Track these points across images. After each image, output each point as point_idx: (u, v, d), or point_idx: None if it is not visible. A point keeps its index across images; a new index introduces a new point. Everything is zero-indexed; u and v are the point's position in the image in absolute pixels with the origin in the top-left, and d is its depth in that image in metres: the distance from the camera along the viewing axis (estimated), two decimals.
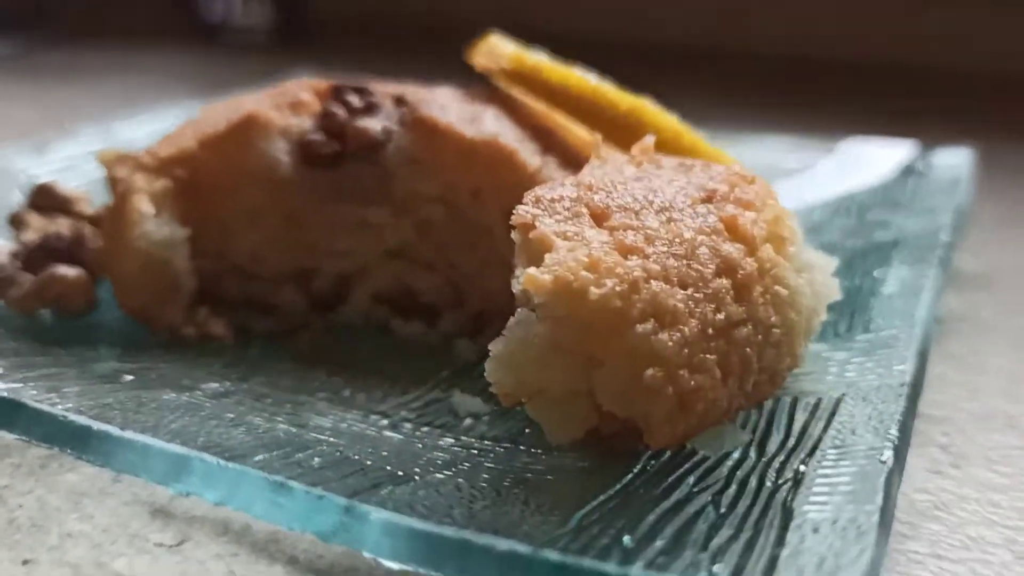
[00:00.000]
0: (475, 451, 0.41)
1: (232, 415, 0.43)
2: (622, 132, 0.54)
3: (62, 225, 0.56)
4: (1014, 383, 0.54)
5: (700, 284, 0.36)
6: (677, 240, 0.37)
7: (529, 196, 0.40)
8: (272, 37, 1.40)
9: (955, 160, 0.67)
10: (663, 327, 0.34)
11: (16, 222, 0.57)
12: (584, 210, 0.39)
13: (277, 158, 0.53)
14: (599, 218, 0.39)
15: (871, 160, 0.67)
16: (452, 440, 0.42)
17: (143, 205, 0.51)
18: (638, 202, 0.40)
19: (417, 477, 0.37)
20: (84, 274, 0.52)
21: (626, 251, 0.36)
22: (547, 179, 0.51)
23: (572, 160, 0.53)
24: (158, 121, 0.74)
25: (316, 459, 0.38)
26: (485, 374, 0.36)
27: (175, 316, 0.52)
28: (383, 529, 0.32)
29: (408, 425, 0.43)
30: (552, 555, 0.29)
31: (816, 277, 0.43)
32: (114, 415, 0.40)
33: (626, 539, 0.33)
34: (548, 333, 0.35)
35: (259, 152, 0.53)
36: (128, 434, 0.37)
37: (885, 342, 0.44)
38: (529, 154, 0.52)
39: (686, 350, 0.35)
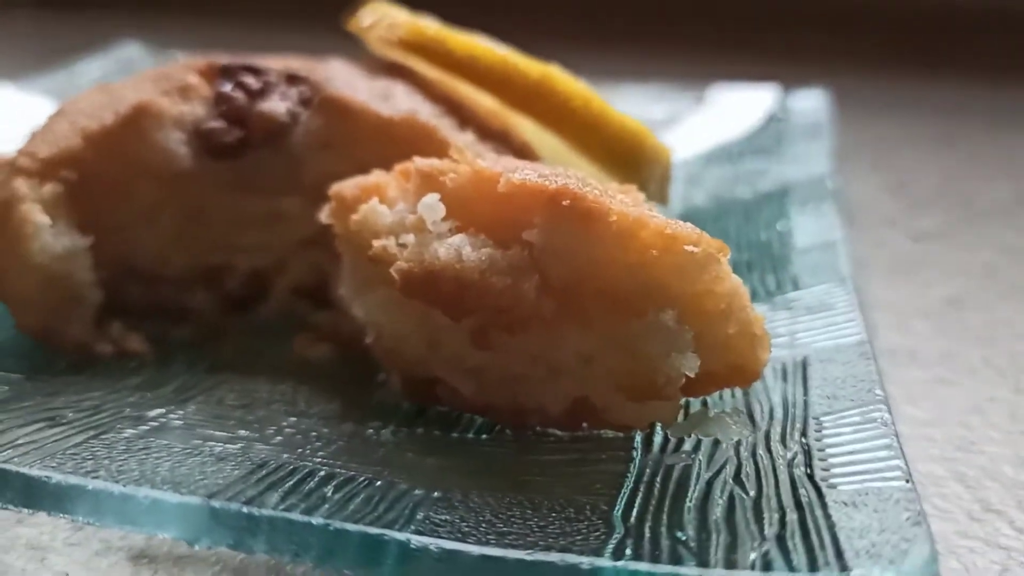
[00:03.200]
0: (469, 457, 0.40)
1: (198, 444, 0.40)
2: (533, 100, 0.53)
3: None
4: (902, 316, 0.58)
5: None
6: None
7: None
8: None
9: (813, 103, 0.70)
10: None
11: None
12: None
13: (174, 150, 0.49)
14: None
15: (737, 107, 0.69)
16: (439, 442, 0.41)
17: (37, 215, 0.46)
18: None
19: (437, 493, 0.36)
20: None
21: None
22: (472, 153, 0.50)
23: (489, 132, 0.52)
24: None
25: (328, 488, 0.36)
26: None
27: (83, 333, 0.47)
28: (442, 558, 0.31)
29: (386, 432, 0.42)
30: (638, 566, 0.29)
31: None
32: (89, 467, 0.37)
33: (681, 535, 0.33)
34: None
35: (154, 145, 0.49)
36: (130, 489, 0.34)
37: (823, 301, 0.46)
38: (448, 129, 0.50)
39: None
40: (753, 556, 0.31)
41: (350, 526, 0.32)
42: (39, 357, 0.47)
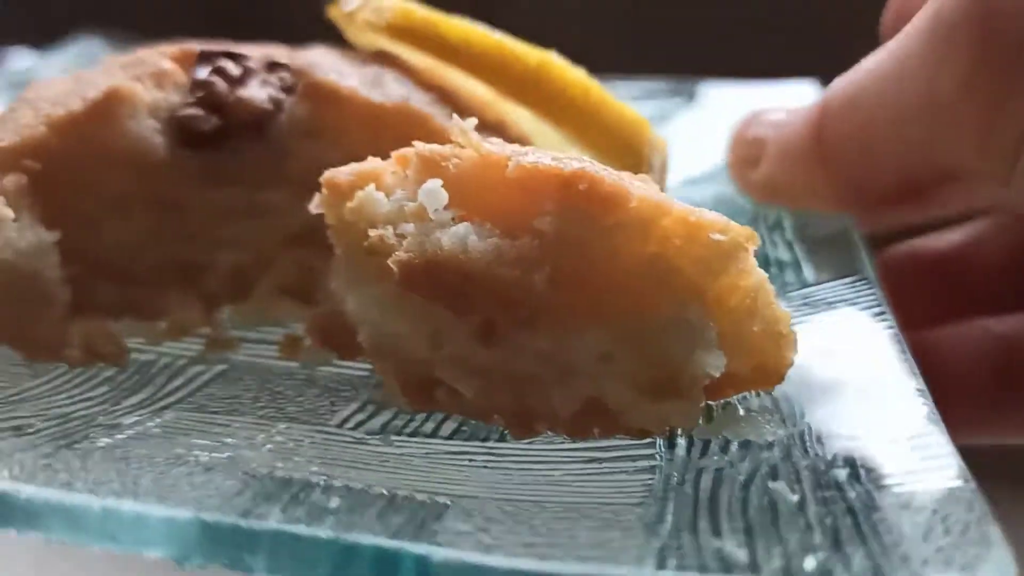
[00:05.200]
0: (480, 463, 0.37)
1: (182, 453, 0.36)
2: (530, 89, 0.50)
3: None
4: None
5: None
6: None
7: None
8: None
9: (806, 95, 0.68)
10: None
11: None
12: None
13: (147, 138, 0.46)
14: None
15: (729, 104, 0.67)
16: (446, 448, 0.38)
17: (0, 209, 0.42)
18: None
19: (449, 502, 0.33)
20: None
21: None
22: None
23: (484, 122, 0.49)
24: None
25: (335, 500, 0.33)
26: None
27: (50, 336, 0.44)
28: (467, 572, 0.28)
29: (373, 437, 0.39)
30: None
31: None
32: (64, 479, 0.33)
33: (732, 548, 0.30)
34: None
35: (126, 133, 0.45)
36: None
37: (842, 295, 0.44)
38: (442, 118, 0.47)
39: None
40: (811, 566, 0.28)
41: (363, 538, 0.29)
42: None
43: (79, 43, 0.75)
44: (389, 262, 0.37)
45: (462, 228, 0.36)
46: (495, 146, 0.39)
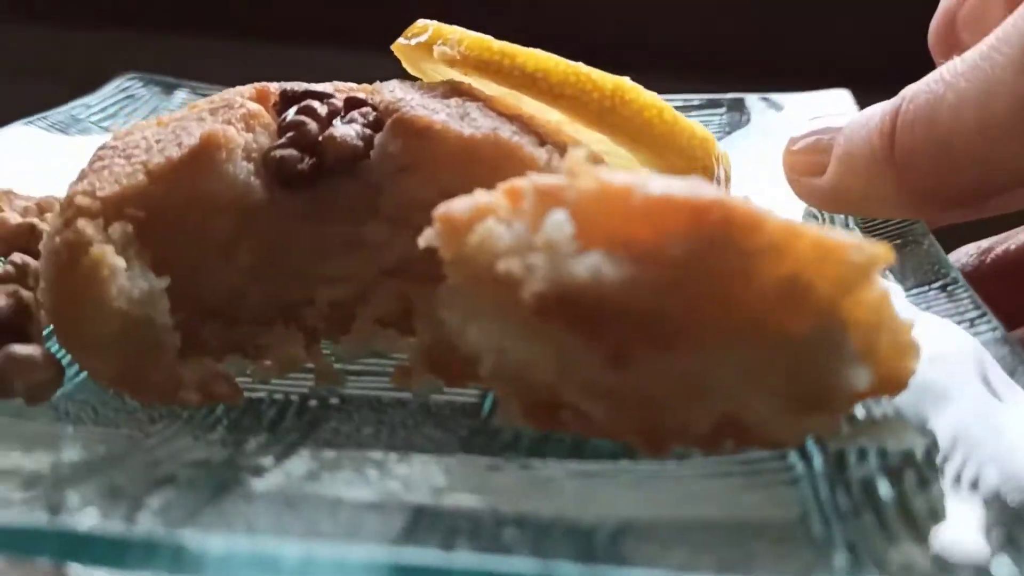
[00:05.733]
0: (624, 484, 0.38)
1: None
2: (607, 114, 0.51)
3: None
4: None
5: None
6: None
7: None
8: None
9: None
10: None
11: None
12: None
13: (246, 181, 0.46)
14: None
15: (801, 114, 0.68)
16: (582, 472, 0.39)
17: (111, 258, 0.43)
18: None
19: (622, 525, 0.34)
20: (42, 350, 0.44)
21: None
22: (556, 171, 0.48)
23: (557, 145, 0.50)
24: None
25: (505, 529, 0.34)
26: None
27: (165, 380, 0.44)
28: None
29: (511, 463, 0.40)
30: None
31: None
32: (239, 525, 0.34)
33: (916, 556, 0.31)
34: None
35: (225, 177, 0.46)
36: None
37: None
38: (531, 147, 0.48)
39: None
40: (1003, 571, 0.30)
41: (563, 568, 0.30)
42: (114, 408, 0.44)
43: (117, 84, 0.75)
44: (524, 293, 0.38)
45: (595, 258, 0.37)
46: (611, 175, 0.40)
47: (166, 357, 0.45)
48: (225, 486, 0.37)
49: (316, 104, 0.49)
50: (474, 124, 0.48)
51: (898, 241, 0.51)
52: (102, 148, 0.49)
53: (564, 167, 0.40)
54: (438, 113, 0.48)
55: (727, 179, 0.57)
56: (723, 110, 0.72)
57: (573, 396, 0.40)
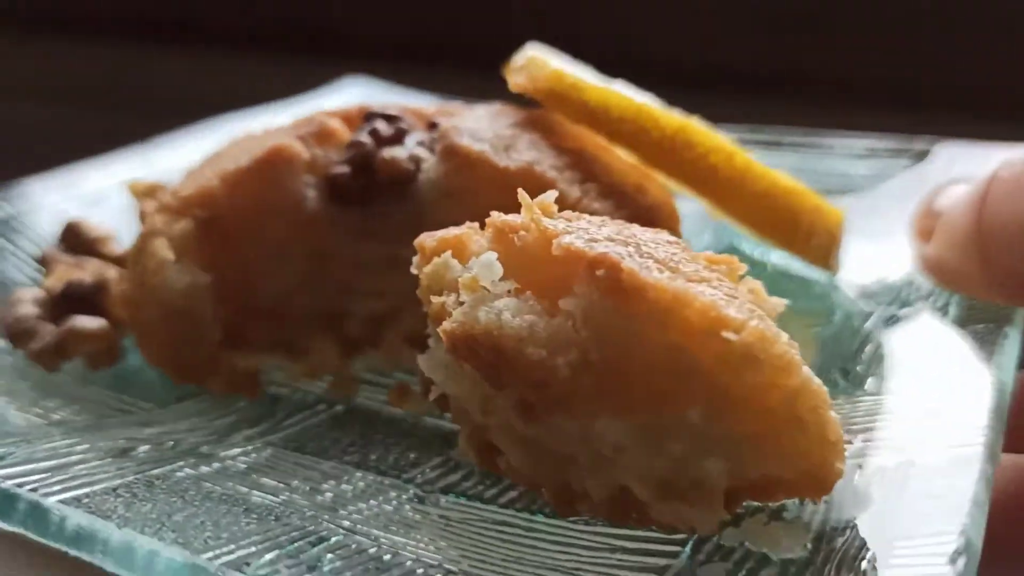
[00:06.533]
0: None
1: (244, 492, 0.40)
2: (667, 155, 0.49)
3: (87, 269, 0.53)
4: None
5: None
6: None
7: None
8: None
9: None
10: None
11: (44, 262, 0.55)
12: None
13: (303, 194, 0.50)
14: None
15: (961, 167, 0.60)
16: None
17: (163, 251, 0.48)
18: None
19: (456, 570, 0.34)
20: (106, 325, 0.50)
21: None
22: (587, 209, 0.47)
23: (613, 189, 0.49)
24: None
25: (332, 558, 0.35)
26: None
27: (199, 367, 0.49)
28: None
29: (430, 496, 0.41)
30: None
31: None
32: (116, 505, 0.38)
33: None
34: None
35: (285, 188, 0.50)
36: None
37: None
38: (567, 183, 0.48)
39: None
40: None
41: None
42: (157, 387, 0.50)
43: (347, 85, 0.82)
44: (439, 329, 0.38)
45: (503, 302, 0.37)
46: (561, 222, 0.39)
47: (203, 346, 0.49)
48: (157, 467, 0.41)
49: (383, 125, 0.51)
50: (514, 156, 0.48)
51: (979, 327, 0.45)
52: (209, 155, 0.55)
53: (522, 211, 0.40)
54: (481, 143, 0.49)
55: (832, 241, 0.52)
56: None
57: (497, 439, 0.40)
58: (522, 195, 0.39)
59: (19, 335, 0.50)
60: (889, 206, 0.60)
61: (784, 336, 0.34)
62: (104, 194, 0.64)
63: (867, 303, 0.53)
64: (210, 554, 0.34)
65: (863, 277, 0.55)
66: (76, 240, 0.56)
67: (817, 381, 0.34)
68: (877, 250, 0.56)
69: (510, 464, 0.40)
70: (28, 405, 0.47)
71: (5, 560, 0.44)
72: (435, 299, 0.40)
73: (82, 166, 0.67)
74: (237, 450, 0.44)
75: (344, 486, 0.41)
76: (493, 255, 0.38)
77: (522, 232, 0.39)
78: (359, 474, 0.42)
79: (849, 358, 0.47)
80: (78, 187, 0.65)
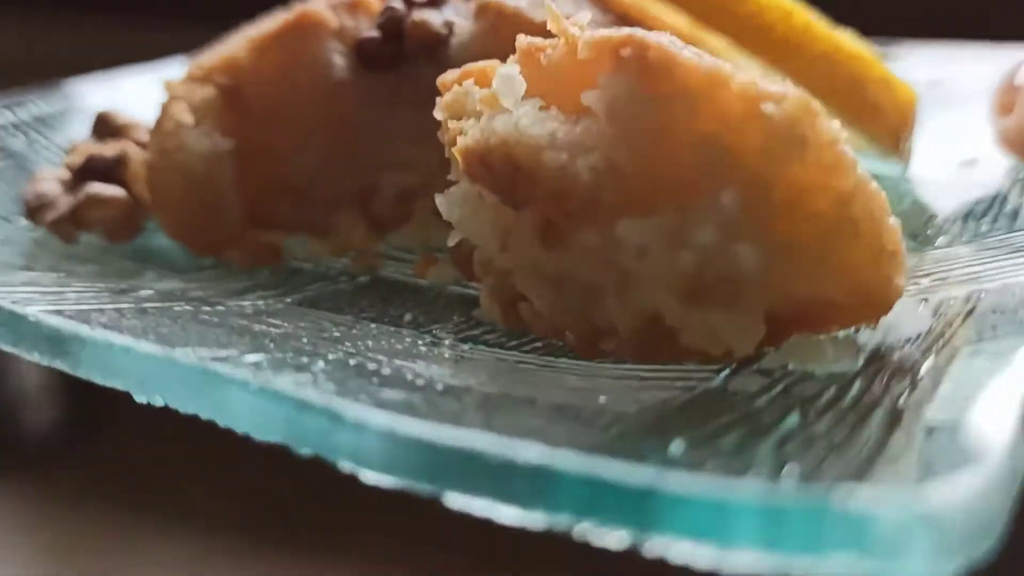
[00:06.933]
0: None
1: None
2: (719, 11, 0.46)
3: (110, 148, 0.51)
4: None
5: None
6: None
7: None
8: None
9: None
10: None
11: (70, 149, 0.54)
12: None
13: (331, 61, 0.47)
14: None
15: None
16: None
17: (182, 114, 0.46)
18: None
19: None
20: (123, 193, 0.48)
21: None
22: None
23: None
24: None
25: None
26: None
27: (220, 240, 0.47)
28: None
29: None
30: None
31: None
32: (102, 320, 0.35)
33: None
34: None
35: (311, 54, 0.47)
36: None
37: None
38: None
39: None
40: None
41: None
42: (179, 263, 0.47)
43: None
44: (453, 150, 0.35)
45: (521, 110, 0.34)
46: (593, 32, 0.35)
47: (223, 217, 0.47)
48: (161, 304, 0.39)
49: None
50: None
51: None
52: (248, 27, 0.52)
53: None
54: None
55: (903, 121, 0.48)
56: None
57: (520, 281, 0.36)
58: (548, 5, 0.36)
59: (37, 209, 0.48)
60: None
61: (836, 122, 0.30)
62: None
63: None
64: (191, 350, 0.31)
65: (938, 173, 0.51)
66: (105, 128, 0.55)
67: (875, 185, 0.30)
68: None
69: (534, 312, 0.36)
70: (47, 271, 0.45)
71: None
72: (453, 124, 0.37)
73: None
74: (246, 301, 0.41)
75: (354, 331, 0.38)
76: (515, 68, 0.35)
77: (549, 50, 0.35)
78: (373, 325, 0.39)
79: (919, 229, 0.43)
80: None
